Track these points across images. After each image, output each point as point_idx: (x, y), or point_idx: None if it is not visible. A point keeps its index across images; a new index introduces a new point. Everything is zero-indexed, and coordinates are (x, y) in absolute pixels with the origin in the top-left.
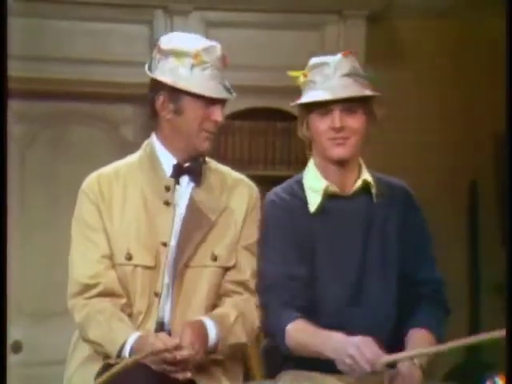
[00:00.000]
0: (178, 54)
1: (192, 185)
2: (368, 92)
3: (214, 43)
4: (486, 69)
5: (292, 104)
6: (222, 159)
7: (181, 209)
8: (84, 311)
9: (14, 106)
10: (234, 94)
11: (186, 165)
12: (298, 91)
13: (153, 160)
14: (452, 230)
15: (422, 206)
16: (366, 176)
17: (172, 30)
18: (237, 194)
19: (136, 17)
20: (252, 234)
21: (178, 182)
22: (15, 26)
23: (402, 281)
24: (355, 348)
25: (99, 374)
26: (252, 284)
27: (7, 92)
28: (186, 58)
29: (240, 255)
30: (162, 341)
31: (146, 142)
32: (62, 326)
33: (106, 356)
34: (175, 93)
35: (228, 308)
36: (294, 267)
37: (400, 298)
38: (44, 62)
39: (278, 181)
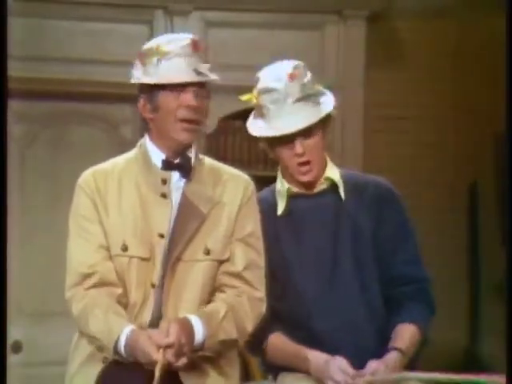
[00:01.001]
0: (147, 55)
1: (184, 180)
2: (323, 111)
3: (181, 35)
4: (485, 69)
5: (254, 134)
6: (222, 159)
7: (174, 203)
8: (82, 303)
9: (14, 106)
10: (213, 76)
11: (176, 161)
12: None
13: (146, 157)
14: (452, 230)
15: (421, 206)
16: (330, 173)
17: (172, 30)
18: (231, 187)
19: (136, 17)
20: (246, 226)
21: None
22: (15, 26)
23: (383, 280)
24: (334, 372)
25: (101, 373)
26: (248, 275)
27: (7, 92)
28: (153, 55)
29: (234, 247)
30: (154, 343)
31: (140, 141)
32: (62, 326)
33: (105, 357)
34: (151, 93)
35: (218, 304)
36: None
37: (384, 298)
38: (44, 62)
39: None
